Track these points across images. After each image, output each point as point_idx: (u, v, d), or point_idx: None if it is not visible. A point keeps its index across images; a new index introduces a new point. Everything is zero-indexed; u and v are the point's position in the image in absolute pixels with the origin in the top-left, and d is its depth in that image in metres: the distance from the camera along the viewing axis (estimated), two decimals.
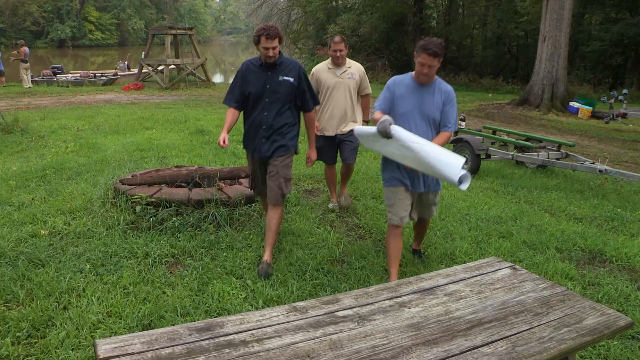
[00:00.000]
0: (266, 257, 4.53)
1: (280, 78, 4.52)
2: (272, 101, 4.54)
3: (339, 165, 6.32)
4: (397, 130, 3.80)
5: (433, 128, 4.21)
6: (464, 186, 3.69)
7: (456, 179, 3.65)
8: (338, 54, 5.88)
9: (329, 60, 6.05)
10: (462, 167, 3.68)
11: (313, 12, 34.19)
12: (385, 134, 3.81)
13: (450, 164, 3.69)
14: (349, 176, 6.53)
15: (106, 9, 72.95)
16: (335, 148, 6.13)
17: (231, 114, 4.67)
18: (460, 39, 32.54)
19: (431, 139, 4.09)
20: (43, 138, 10.18)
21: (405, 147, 3.79)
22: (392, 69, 28.71)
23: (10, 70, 25.41)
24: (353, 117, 6.02)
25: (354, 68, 6.05)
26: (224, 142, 4.41)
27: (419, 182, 4.31)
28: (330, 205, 6.32)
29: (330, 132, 6.00)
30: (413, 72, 4.22)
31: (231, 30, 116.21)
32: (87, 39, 68.70)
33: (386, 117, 3.88)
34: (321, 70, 6.05)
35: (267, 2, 40.11)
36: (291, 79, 4.55)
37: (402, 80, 4.27)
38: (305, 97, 4.72)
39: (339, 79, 5.93)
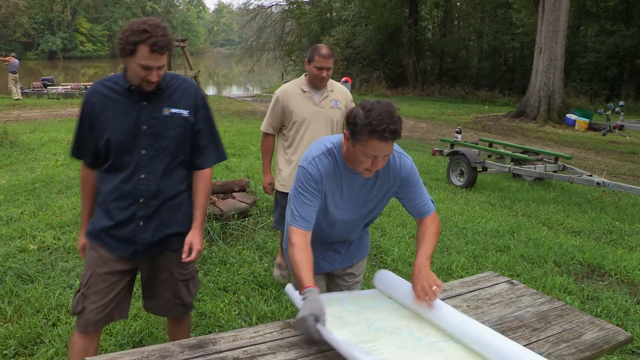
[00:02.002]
0: None
1: (167, 111, 2.55)
2: (155, 153, 2.55)
3: None
4: (332, 338, 1.94)
5: (362, 228, 2.77)
6: None
7: None
8: (324, 73, 3.86)
9: (303, 78, 4.05)
10: None
11: (307, 24, 34.43)
12: (311, 337, 2.02)
13: None
14: None
15: (98, 21, 73.23)
16: None
17: (84, 178, 2.73)
18: (455, 51, 32.82)
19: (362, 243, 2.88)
20: (33, 151, 10.11)
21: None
22: (387, 81, 28.91)
23: None
24: None
25: (338, 92, 4.07)
26: (82, 248, 2.76)
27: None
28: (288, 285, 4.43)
29: None
30: (342, 149, 2.39)
31: (224, 42, 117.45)
32: (78, 50, 68.91)
33: (309, 305, 2.06)
34: (291, 94, 3.99)
35: (261, 13, 40.48)
36: (184, 112, 2.59)
37: (331, 169, 2.39)
38: (202, 142, 2.68)
39: (318, 109, 3.95)
